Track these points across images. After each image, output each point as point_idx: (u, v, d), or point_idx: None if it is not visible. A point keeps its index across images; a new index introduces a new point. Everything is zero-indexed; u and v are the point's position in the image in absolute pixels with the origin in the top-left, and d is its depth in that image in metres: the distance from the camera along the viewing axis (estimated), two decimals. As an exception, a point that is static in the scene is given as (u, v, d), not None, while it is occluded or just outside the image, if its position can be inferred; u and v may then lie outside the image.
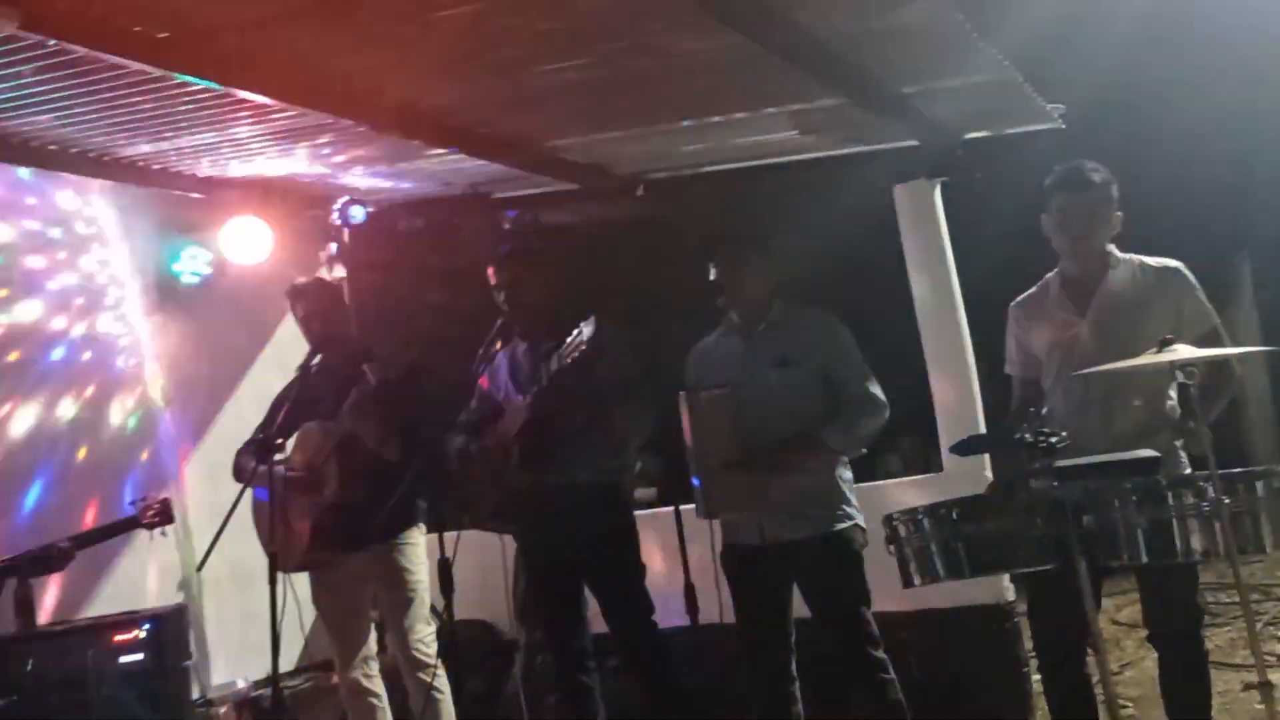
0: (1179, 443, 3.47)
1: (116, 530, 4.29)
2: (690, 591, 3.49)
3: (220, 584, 5.21)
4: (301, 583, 4.22)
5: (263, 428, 4.27)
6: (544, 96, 4.35)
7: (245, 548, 4.29)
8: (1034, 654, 3.82)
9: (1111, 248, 3.60)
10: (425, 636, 4.16)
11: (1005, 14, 4.02)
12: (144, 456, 5.22)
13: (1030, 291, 3.77)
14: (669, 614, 3.92)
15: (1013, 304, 3.81)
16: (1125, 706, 4.54)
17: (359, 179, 5.39)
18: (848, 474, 3.86)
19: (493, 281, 4.04)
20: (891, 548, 3.20)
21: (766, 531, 3.73)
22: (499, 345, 4.02)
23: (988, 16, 3.83)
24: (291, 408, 4.12)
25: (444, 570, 3.68)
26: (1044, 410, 3.61)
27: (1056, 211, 3.56)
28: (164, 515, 4.17)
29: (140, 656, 3.93)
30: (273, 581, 3.79)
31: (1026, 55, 4.23)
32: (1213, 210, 6.87)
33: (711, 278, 3.90)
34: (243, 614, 5.19)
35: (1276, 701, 2.88)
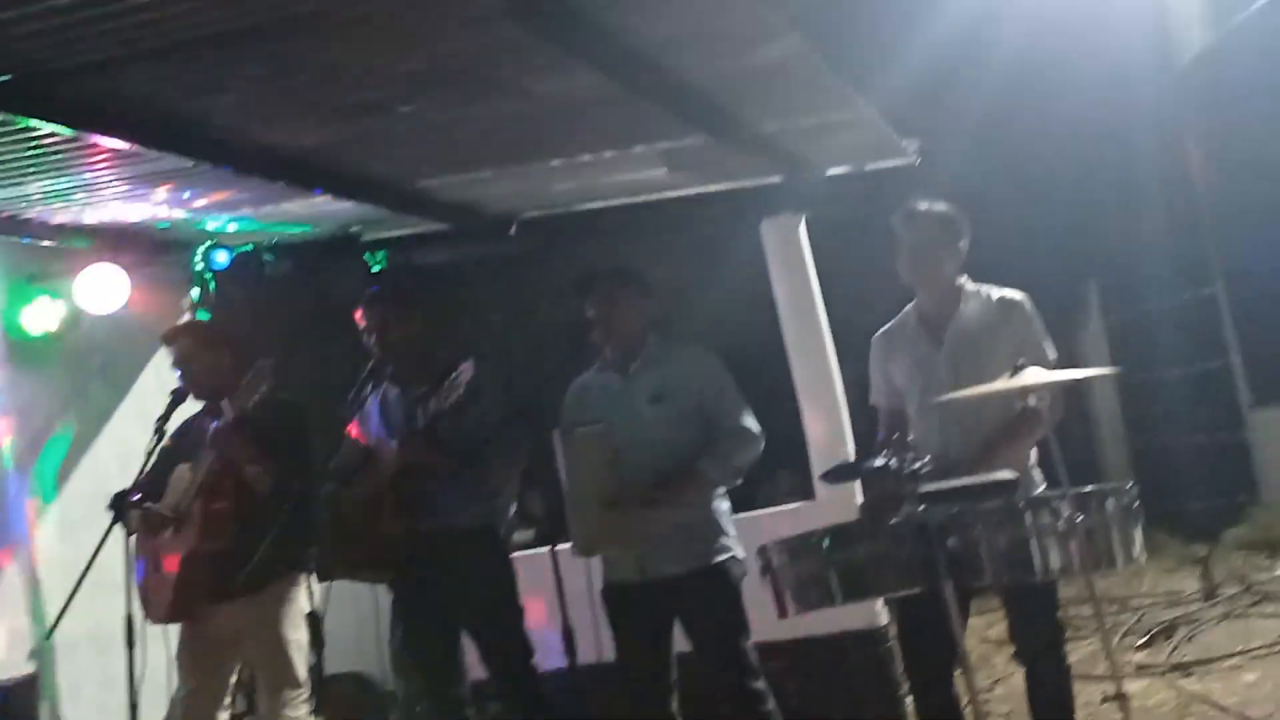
0: (1029, 461, 3.61)
1: None
2: (568, 632, 3.47)
3: (76, 648, 4.93)
4: (172, 642, 4.05)
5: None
6: (410, 137, 4.33)
7: (105, 607, 4.09)
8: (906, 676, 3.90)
9: (963, 281, 3.74)
10: (296, 699, 4.00)
11: (863, 54, 4.17)
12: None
13: (891, 324, 3.90)
14: (549, 655, 3.89)
15: (875, 336, 3.93)
16: (996, 722, 4.68)
17: (223, 223, 5.26)
18: (725, 505, 3.90)
19: (362, 324, 3.98)
20: (767, 578, 3.24)
21: (646, 567, 3.74)
22: (369, 389, 3.95)
23: (846, 56, 3.96)
24: (166, 454, 3.97)
25: (314, 624, 3.58)
26: (909, 438, 3.71)
27: (897, 246, 3.72)
28: None
29: (-15, 733, 3.70)
30: (130, 643, 3.61)
31: (885, 94, 4.40)
32: (1063, 239, 7.21)
33: (587, 315, 3.92)
34: (101, 678, 4.92)
35: (1133, 712, 3.00)
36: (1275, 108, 5.54)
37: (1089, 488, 3.07)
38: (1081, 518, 2.93)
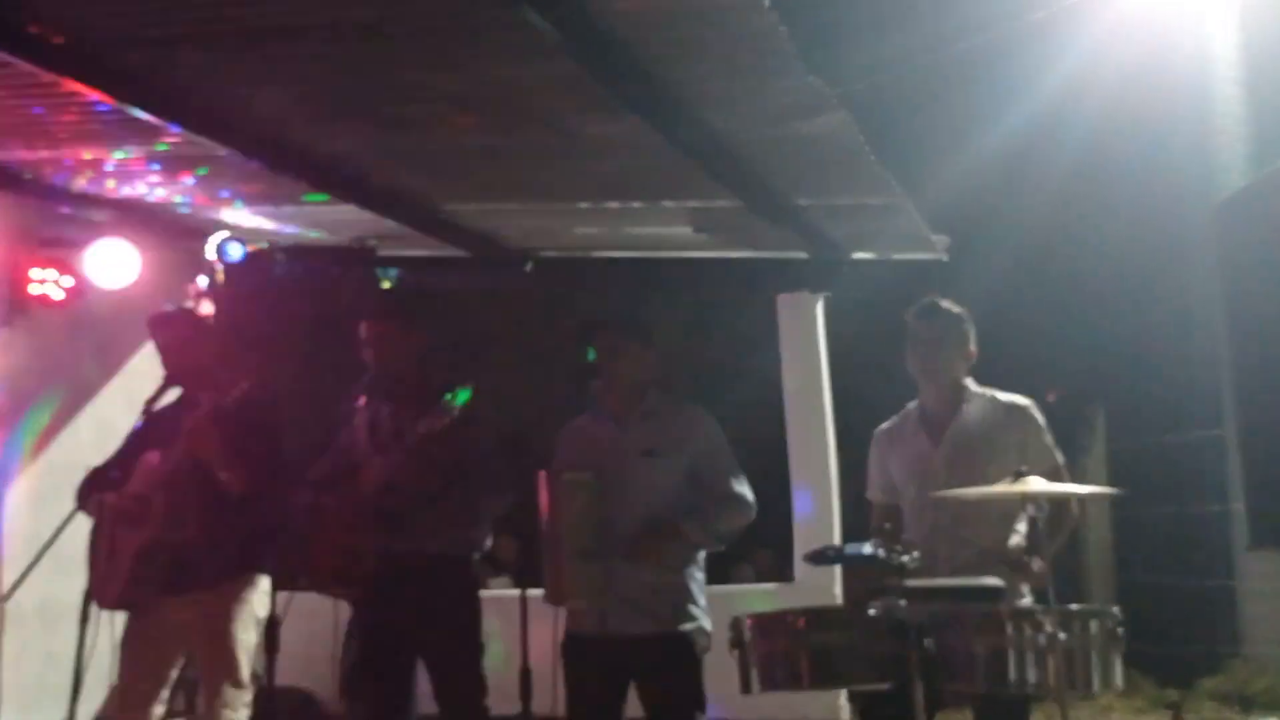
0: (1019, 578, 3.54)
1: None
2: (526, 677, 3.38)
3: (25, 621, 4.84)
4: (119, 627, 3.95)
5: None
6: (442, 158, 4.34)
7: (60, 584, 4.00)
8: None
9: (968, 382, 3.73)
10: (238, 700, 3.90)
11: (910, 144, 4.19)
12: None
13: (894, 420, 3.88)
14: (501, 699, 3.79)
15: (877, 430, 3.90)
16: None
17: (242, 216, 5.25)
18: (700, 574, 3.83)
19: (364, 337, 3.93)
20: (735, 651, 3.16)
21: (609, 623, 3.66)
22: (361, 402, 3.90)
23: (892, 143, 3.98)
24: (137, 437, 3.90)
25: (270, 630, 3.49)
26: (902, 534, 3.66)
27: (908, 340, 3.71)
28: None
29: (-78, 690, 3.60)
30: (83, 620, 3.52)
31: (924, 188, 4.41)
32: (1077, 359, 7.20)
33: (589, 361, 3.88)
34: (45, 655, 4.83)
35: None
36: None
37: (1074, 607, 3.03)
38: (1064, 636, 2.88)
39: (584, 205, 4.83)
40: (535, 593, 3.70)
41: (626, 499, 3.68)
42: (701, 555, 3.83)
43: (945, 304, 3.73)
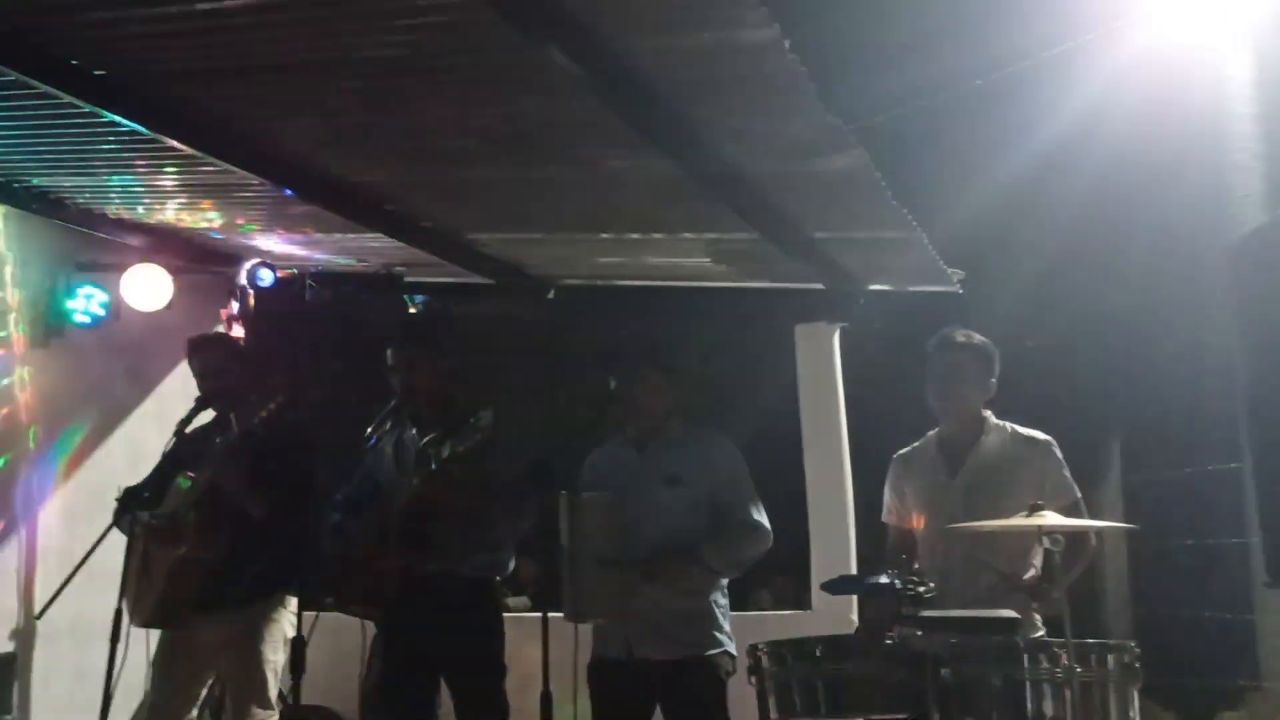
0: (1034, 606, 3.57)
1: None
2: (547, 699, 3.43)
3: (57, 637, 4.93)
4: (151, 645, 4.03)
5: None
6: (469, 189, 4.43)
7: (92, 602, 4.09)
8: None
9: (987, 414, 3.76)
10: None
11: (927, 180, 4.25)
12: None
13: (913, 446, 3.91)
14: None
15: (896, 455, 3.94)
16: None
17: (272, 242, 5.36)
18: (724, 600, 3.88)
19: (391, 362, 4.01)
20: (753, 679, 3.21)
21: (634, 648, 3.71)
22: (388, 426, 3.98)
23: (908, 179, 4.04)
24: (170, 458, 4.00)
25: (297, 649, 3.56)
26: (915, 564, 3.70)
27: (928, 371, 3.74)
28: None
29: (-44, 705, 3.69)
30: (114, 637, 3.61)
31: (940, 222, 4.47)
32: (1092, 391, 7.19)
33: (611, 389, 3.95)
34: (76, 671, 4.91)
35: None
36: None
37: (1091, 640, 3.05)
38: (1080, 669, 2.90)
39: (606, 236, 4.92)
40: (555, 616, 3.75)
41: (648, 524, 3.74)
42: (725, 580, 3.89)
43: (966, 335, 3.76)
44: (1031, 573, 3.59)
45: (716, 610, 3.81)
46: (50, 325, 5.15)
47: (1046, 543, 3.15)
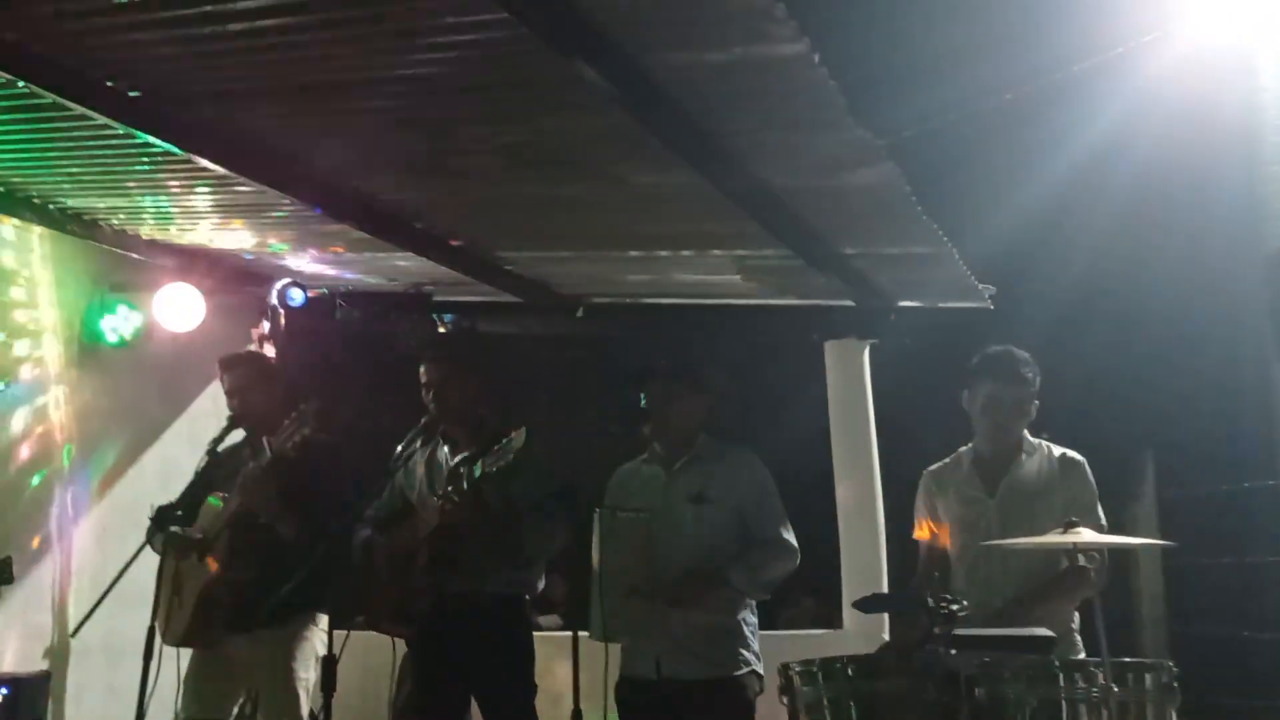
0: (1073, 624, 3.53)
1: None
2: (577, 718, 3.42)
3: (89, 655, 4.96)
4: (182, 663, 4.05)
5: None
6: (499, 207, 4.44)
7: (124, 620, 4.11)
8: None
9: (1025, 433, 3.73)
10: None
11: (957, 195, 4.22)
12: (33, 512, 5.01)
13: (944, 462, 3.88)
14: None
15: (927, 471, 3.91)
16: None
17: (303, 262, 5.40)
18: (753, 618, 3.86)
19: (424, 379, 4.03)
20: (784, 698, 3.18)
21: (663, 667, 3.69)
22: (419, 444, 3.99)
23: (938, 194, 4.01)
24: (202, 477, 4.03)
25: (328, 668, 3.56)
26: (948, 581, 3.66)
27: (984, 397, 3.70)
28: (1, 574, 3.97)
29: (-9, 721, 3.72)
30: (147, 655, 3.62)
31: (971, 237, 4.44)
32: (1126, 406, 7.12)
33: (640, 406, 3.94)
34: (108, 689, 4.93)
35: None
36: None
37: (1128, 659, 3.01)
38: (1118, 689, 2.86)
39: (635, 253, 4.91)
40: (585, 634, 3.74)
41: (674, 543, 3.73)
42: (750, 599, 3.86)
43: (1023, 362, 3.70)
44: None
45: (745, 629, 3.79)
46: (84, 345, 5.20)
47: (1082, 560, 3.12)
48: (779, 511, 3.86)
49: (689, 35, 2.90)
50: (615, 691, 3.78)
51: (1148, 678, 2.95)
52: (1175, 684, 2.95)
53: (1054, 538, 3.11)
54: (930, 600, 3.06)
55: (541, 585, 4.04)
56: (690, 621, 3.67)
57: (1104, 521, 3.59)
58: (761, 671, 3.76)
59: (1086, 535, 3.08)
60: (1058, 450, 3.71)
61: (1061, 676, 2.93)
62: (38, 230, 4.98)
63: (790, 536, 3.82)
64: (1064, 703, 2.91)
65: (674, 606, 3.66)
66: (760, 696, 3.72)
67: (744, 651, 3.77)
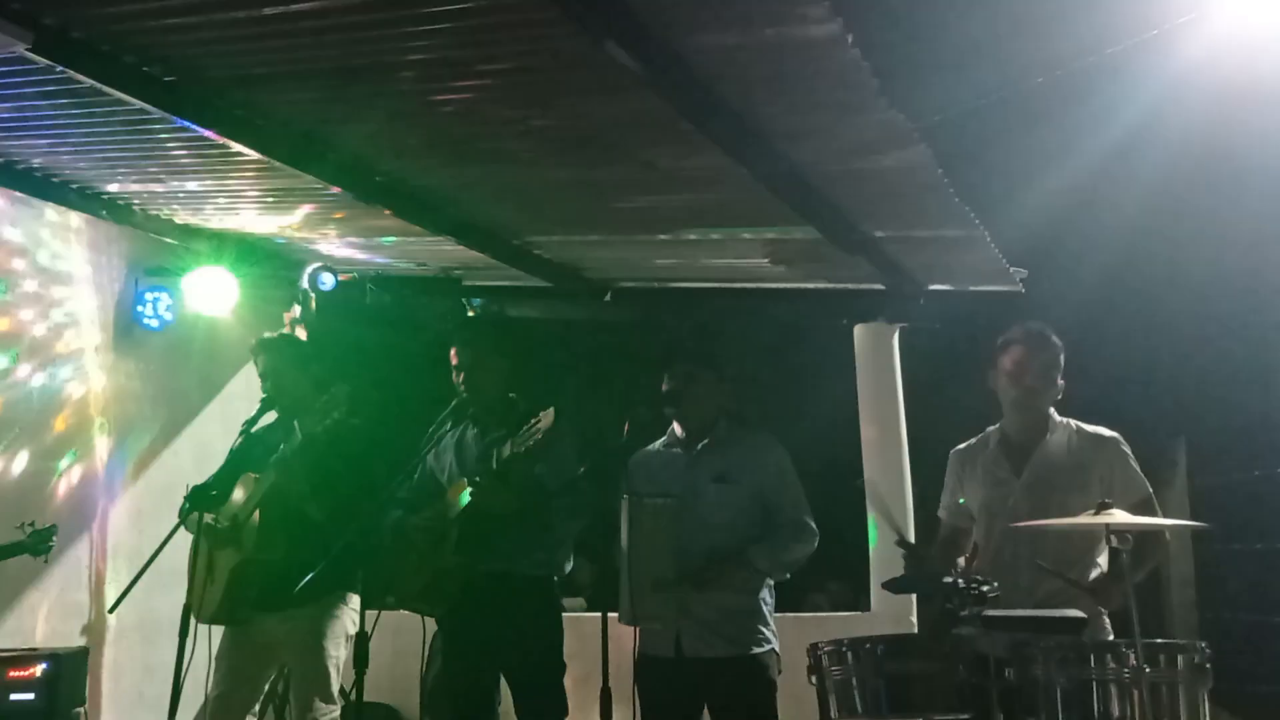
0: (1100, 611, 3.51)
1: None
2: (606, 696, 3.45)
3: (125, 633, 5.04)
4: (216, 641, 4.11)
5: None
6: (529, 192, 4.45)
7: (160, 598, 4.17)
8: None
9: (1052, 411, 3.70)
10: (326, 715, 4.03)
11: (989, 178, 4.20)
12: (71, 493, 5.09)
13: (971, 442, 3.86)
14: (580, 718, 3.86)
15: (954, 450, 3.89)
16: None
17: (334, 246, 5.43)
18: (770, 598, 3.88)
19: (454, 362, 4.05)
20: (814, 678, 3.19)
21: (684, 646, 3.72)
22: (449, 426, 4.02)
23: (970, 177, 4.00)
24: (235, 458, 4.08)
25: (360, 644, 3.60)
26: (975, 563, 3.66)
27: (1012, 364, 3.67)
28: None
29: (31, 696, 3.78)
30: (183, 633, 3.68)
31: (1003, 220, 4.42)
32: (1159, 391, 7.08)
33: (664, 389, 3.96)
34: (143, 666, 5.02)
35: None
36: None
37: (1160, 640, 2.99)
38: (1149, 670, 2.85)
39: (664, 236, 4.92)
40: (614, 615, 3.77)
41: (697, 525, 3.75)
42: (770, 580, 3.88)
43: (1043, 329, 3.69)
44: (1096, 573, 3.53)
45: (764, 608, 3.82)
46: (120, 329, 5.27)
47: (1114, 542, 3.09)
48: (799, 494, 3.88)
49: (721, 16, 2.91)
50: (635, 671, 3.80)
51: (1180, 659, 2.92)
52: (1207, 665, 2.91)
53: (1085, 519, 3.09)
54: (961, 580, 3.06)
55: (569, 567, 4.06)
56: (712, 602, 3.69)
57: (1150, 492, 3.53)
58: (779, 650, 3.79)
59: (1119, 516, 3.06)
60: (1088, 428, 3.67)
61: (1093, 657, 2.91)
62: (75, 215, 5.04)
63: (810, 519, 3.83)
64: (1095, 683, 2.88)
65: (699, 590, 3.68)
66: (784, 674, 3.73)
67: (763, 629, 3.79)
